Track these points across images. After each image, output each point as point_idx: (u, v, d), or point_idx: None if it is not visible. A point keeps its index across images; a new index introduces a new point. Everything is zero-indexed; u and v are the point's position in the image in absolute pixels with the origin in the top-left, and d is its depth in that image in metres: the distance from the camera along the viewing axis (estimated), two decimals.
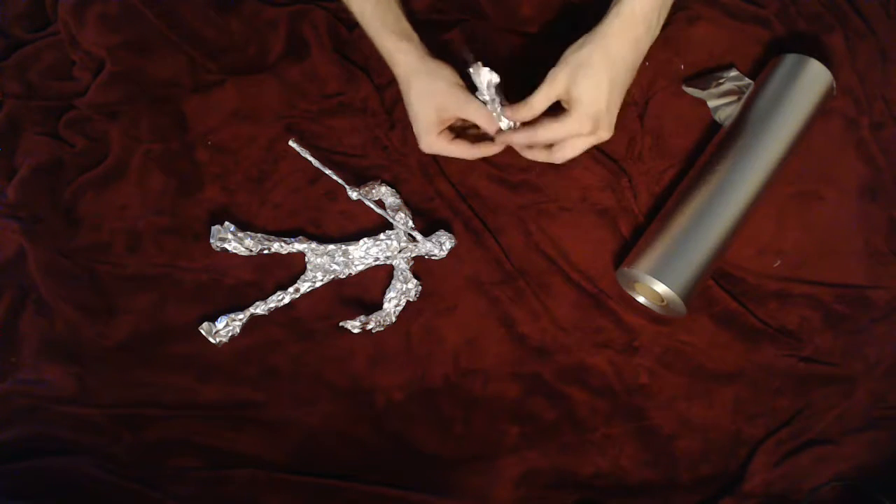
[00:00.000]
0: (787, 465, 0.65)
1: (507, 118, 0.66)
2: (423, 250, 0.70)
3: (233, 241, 0.70)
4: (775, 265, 0.71)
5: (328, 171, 0.71)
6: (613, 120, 0.63)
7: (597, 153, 0.74)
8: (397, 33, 0.67)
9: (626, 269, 0.67)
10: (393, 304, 0.69)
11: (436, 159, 0.74)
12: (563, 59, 0.63)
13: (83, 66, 0.76)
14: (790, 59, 0.71)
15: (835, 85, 0.71)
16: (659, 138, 0.75)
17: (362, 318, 0.68)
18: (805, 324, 0.69)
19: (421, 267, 0.71)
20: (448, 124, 0.68)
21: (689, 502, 0.65)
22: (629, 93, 0.75)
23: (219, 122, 0.76)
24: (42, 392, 0.67)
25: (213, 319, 0.68)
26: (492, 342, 0.69)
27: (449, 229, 0.72)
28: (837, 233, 0.72)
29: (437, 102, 0.65)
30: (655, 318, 0.70)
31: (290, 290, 0.69)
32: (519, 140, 0.66)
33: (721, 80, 0.74)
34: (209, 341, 0.68)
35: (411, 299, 0.70)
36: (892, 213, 0.72)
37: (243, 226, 0.72)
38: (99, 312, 0.70)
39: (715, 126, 0.74)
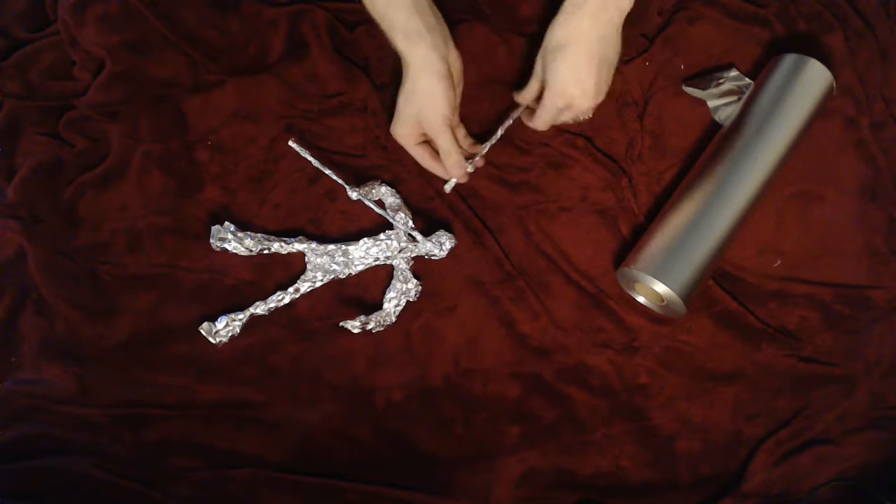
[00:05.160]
0: (787, 465, 0.65)
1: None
2: (423, 250, 0.70)
3: (233, 241, 0.70)
4: (775, 265, 0.71)
5: (328, 171, 0.71)
6: (590, 88, 0.65)
7: (597, 153, 0.74)
8: (416, 25, 0.65)
9: (626, 269, 0.67)
10: (393, 304, 0.69)
11: None
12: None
13: (83, 66, 0.76)
14: (790, 59, 0.71)
15: (835, 85, 0.71)
16: (659, 138, 0.75)
17: (362, 318, 0.68)
18: (805, 324, 0.69)
19: (421, 267, 0.71)
20: (421, 136, 0.69)
21: (689, 502, 0.65)
22: (629, 93, 0.75)
23: (219, 122, 0.76)
24: (42, 392, 0.67)
25: (213, 319, 0.68)
26: (492, 342, 0.69)
27: (449, 229, 0.72)
28: (837, 233, 0.72)
29: (421, 113, 0.66)
30: (655, 318, 0.70)
31: (290, 290, 0.69)
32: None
33: (721, 80, 0.74)
34: (209, 341, 0.68)
35: (411, 299, 0.70)
36: (892, 213, 0.72)
37: (243, 226, 0.72)
38: (99, 312, 0.70)
39: (715, 126, 0.74)
